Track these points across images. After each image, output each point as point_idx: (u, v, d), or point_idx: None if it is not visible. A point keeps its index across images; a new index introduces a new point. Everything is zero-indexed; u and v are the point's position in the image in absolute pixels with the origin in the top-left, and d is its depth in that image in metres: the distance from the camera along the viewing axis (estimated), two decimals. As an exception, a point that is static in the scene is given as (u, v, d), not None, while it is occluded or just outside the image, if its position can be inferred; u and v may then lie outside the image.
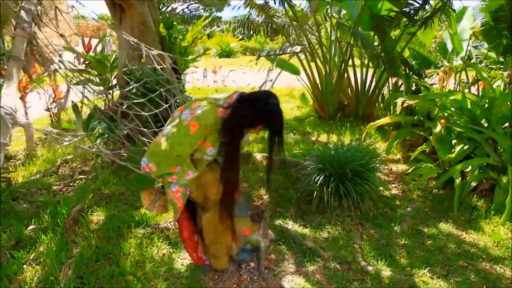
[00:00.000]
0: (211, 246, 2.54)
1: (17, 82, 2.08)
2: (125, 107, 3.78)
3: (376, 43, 5.95)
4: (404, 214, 3.45)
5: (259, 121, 2.06)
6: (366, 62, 6.32)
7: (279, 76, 3.81)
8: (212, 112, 2.04)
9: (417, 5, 5.31)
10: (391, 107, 5.85)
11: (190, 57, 5.67)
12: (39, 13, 2.73)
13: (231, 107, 2.04)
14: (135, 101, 3.57)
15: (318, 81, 6.52)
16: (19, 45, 2.21)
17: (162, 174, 2.19)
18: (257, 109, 2.01)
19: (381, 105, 6.27)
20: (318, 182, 3.35)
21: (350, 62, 6.30)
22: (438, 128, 3.91)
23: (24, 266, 2.68)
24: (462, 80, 5.47)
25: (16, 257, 2.75)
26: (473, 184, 3.54)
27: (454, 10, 5.38)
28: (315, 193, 3.38)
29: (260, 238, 2.82)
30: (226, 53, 18.61)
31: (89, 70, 4.90)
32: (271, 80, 3.83)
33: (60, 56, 2.73)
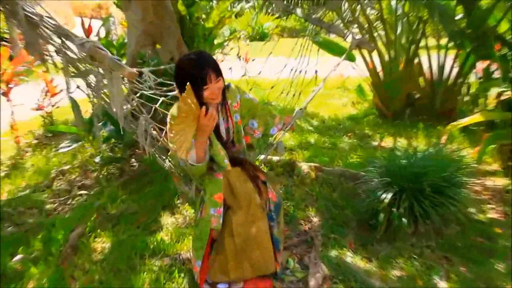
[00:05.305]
0: (237, 254, 2.69)
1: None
2: (135, 104, 3.80)
3: (459, 16, 5.77)
4: (509, 246, 3.28)
5: (188, 74, 2.49)
6: (444, 42, 6.15)
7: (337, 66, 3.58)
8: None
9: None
10: (481, 100, 5.67)
11: (215, 41, 5.71)
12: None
13: None
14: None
15: (379, 69, 6.45)
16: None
17: None
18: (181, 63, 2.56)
19: (466, 98, 6.10)
20: (385, 200, 3.30)
21: (422, 43, 6.17)
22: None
23: (9, 308, 2.74)
24: None
25: (-1, 296, 2.81)
26: None
27: None
28: (381, 214, 3.33)
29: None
30: (259, 36, 18.71)
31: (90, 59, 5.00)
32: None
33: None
